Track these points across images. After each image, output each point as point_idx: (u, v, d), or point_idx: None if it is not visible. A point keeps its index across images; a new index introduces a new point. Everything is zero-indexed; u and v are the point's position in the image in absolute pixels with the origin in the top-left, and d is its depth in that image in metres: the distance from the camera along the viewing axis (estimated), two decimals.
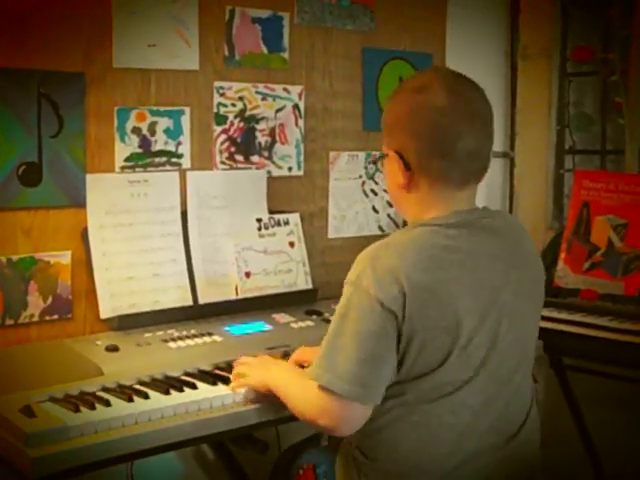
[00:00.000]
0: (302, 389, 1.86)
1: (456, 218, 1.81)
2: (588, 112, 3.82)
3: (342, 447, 2.02)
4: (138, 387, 2.11)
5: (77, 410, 1.93)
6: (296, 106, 2.97)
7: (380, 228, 3.23)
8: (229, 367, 2.27)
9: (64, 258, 2.47)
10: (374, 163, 2.06)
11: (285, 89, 2.94)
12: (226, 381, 2.16)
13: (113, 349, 2.31)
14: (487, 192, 3.69)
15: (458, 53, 3.48)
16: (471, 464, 1.82)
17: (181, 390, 2.08)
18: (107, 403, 1.98)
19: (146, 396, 2.03)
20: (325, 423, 1.77)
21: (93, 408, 1.94)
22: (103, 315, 2.47)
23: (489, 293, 1.79)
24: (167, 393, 2.06)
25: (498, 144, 3.73)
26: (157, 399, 2.03)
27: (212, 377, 2.17)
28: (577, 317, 2.88)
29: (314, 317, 2.70)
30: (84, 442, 1.83)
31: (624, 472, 3.04)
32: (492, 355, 1.80)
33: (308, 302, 2.82)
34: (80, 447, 1.81)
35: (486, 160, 1.85)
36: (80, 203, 2.49)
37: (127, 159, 2.59)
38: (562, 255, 3.17)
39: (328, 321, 2.59)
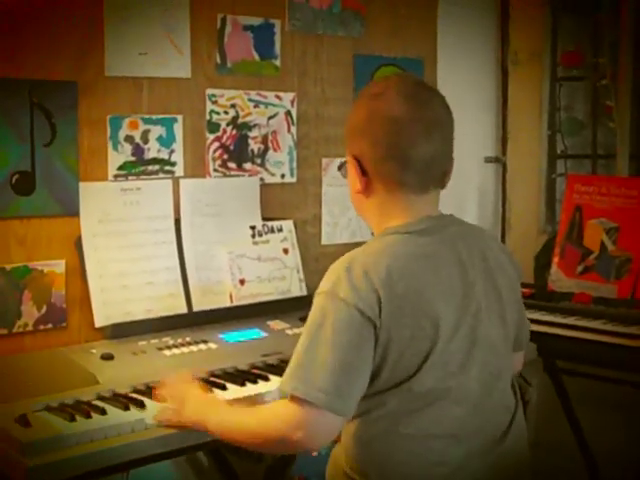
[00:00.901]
0: (265, 411, 1.83)
1: (426, 224, 1.81)
2: (579, 117, 3.84)
3: (331, 459, 1.97)
4: (134, 395, 2.10)
5: (73, 419, 1.92)
6: (288, 113, 2.97)
7: (373, 235, 3.22)
8: (225, 375, 2.27)
9: (58, 267, 2.46)
10: (339, 169, 2.04)
11: (277, 96, 2.94)
12: (223, 388, 2.16)
13: (108, 357, 2.31)
14: (479, 197, 3.70)
15: (449, 59, 3.50)
16: (461, 472, 1.81)
17: None
18: (103, 412, 1.97)
19: (142, 404, 2.03)
20: (300, 436, 1.69)
21: (89, 417, 1.94)
22: (97, 323, 2.47)
23: (462, 299, 1.78)
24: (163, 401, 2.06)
25: (490, 149, 3.75)
26: (153, 407, 2.02)
27: (208, 384, 2.17)
28: (571, 320, 2.89)
29: None
30: (80, 451, 1.82)
31: (620, 475, 3.04)
32: (471, 361, 1.79)
33: (302, 309, 2.77)
34: (76, 456, 1.81)
35: (446, 166, 1.84)
36: (73, 212, 2.49)
37: (120, 167, 2.59)
38: (555, 259, 3.18)
39: None
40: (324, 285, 1.75)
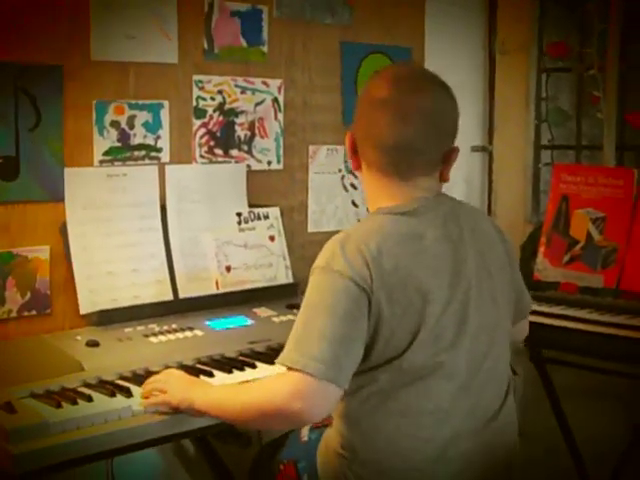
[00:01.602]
0: (261, 384, 1.85)
1: (417, 205, 1.84)
2: (563, 107, 3.83)
3: (323, 441, 2.00)
4: (120, 382, 2.09)
5: (59, 406, 1.90)
6: (275, 100, 2.95)
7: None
8: (212, 362, 2.26)
9: (43, 253, 2.44)
10: None
11: (264, 82, 2.92)
12: (210, 375, 2.14)
13: (93, 344, 2.29)
14: (466, 186, 3.70)
15: (437, 47, 3.49)
16: (452, 449, 1.83)
17: None
18: (89, 399, 1.96)
19: (128, 392, 2.01)
20: (299, 407, 1.70)
21: (75, 404, 1.92)
22: (83, 310, 2.44)
23: (452, 277, 1.82)
24: None
25: (476, 138, 3.74)
26: (140, 394, 2.00)
27: (195, 371, 2.15)
28: (557, 310, 2.89)
29: (295, 311, 2.65)
30: (67, 438, 1.80)
31: (604, 463, 3.04)
32: (461, 337, 1.82)
33: (289, 296, 2.81)
34: (63, 443, 1.79)
35: (432, 154, 1.86)
36: (58, 197, 2.46)
37: (106, 153, 2.56)
38: (541, 249, 3.18)
39: None
40: (319, 261, 1.79)
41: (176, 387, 1.94)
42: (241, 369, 2.22)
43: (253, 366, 2.25)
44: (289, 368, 1.73)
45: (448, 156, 1.88)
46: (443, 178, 1.91)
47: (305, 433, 2.14)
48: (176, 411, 1.93)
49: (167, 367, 2.19)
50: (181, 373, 2.03)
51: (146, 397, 1.98)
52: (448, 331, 1.80)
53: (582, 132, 3.78)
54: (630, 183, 3.08)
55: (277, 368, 1.80)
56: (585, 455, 3.16)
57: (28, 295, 2.42)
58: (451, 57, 3.58)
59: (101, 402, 1.96)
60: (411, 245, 1.79)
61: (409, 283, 1.75)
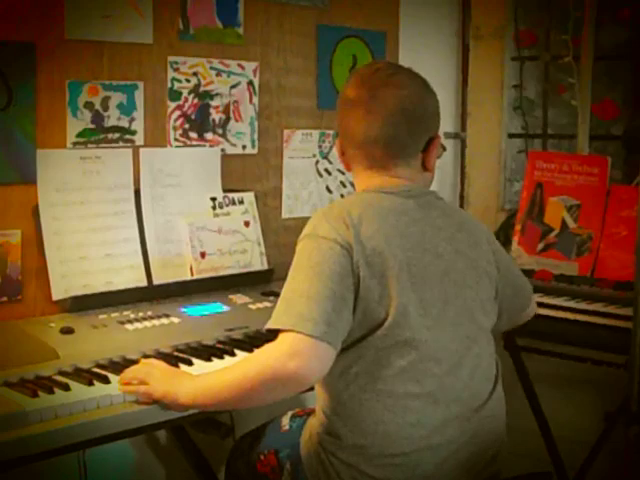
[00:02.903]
0: (250, 356, 1.85)
1: (401, 188, 1.90)
2: (530, 96, 3.82)
3: (306, 429, 1.98)
4: (97, 370, 2.03)
5: (35, 395, 1.84)
6: (251, 83, 2.90)
7: None
8: (190, 349, 2.21)
9: (13, 237, 2.37)
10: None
11: (240, 65, 2.87)
12: (189, 364, 2.10)
13: (68, 331, 2.23)
14: (438, 173, 3.63)
15: (411, 33, 3.46)
16: (439, 435, 1.83)
17: None
18: (66, 387, 1.90)
19: (106, 380, 1.96)
20: (294, 365, 1.69)
21: (52, 393, 1.87)
22: (55, 296, 2.38)
23: (434, 257, 1.86)
24: None
25: (449, 125, 3.71)
26: (118, 383, 1.94)
27: (172, 359, 2.10)
28: None
29: (271, 298, 2.64)
30: (45, 428, 1.74)
31: (577, 451, 3.05)
32: (445, 318, 1.84)
33: (264, 283, 2.78)
34: (40, 433, 1.73)
35: (405, 144, 1.90)
36: (30, 179, 2.39)
37: (79, 135, 2.50)
38: (516, 237, 3.17)
39: None
40: (305, 230, 1.86)
41: (159, 380, 1.89)
42: (220, 357, 2.17)
43: (232, 353, 2.20)
44: (279, 330, 1.74)
45: (428, 145, 1.93)
46: (425, 167, 1.96)
47: (286, 422, 2.11)
48: (157, 404, 1.88)
49: (145, 355, 2.14)
50: (163, 365, 1.98)
51: (125, 384, 1.93)
52: (431, 308, 1.82)
53: (548, 121, 3.77)
54: (604, 171, 3.08)
55: None
56: (559, 443, 3.16)
57: None
58: (425, 42, 3.55)
59: (79, 391, 1.89)
60: (391, 217, 1.85)
61: (385, 250, 1.80)
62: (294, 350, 1.70)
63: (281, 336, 1.74)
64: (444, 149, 2.02)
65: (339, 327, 1.74)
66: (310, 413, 2.03)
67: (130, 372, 1.94)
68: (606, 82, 3.53)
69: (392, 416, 1.80)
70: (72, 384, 1.92)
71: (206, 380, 1.85)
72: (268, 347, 1.76)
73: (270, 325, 1.76)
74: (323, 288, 1.73)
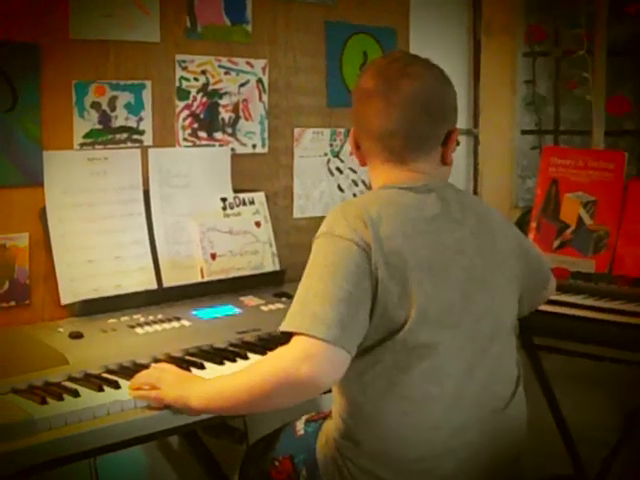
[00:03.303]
0: (262, 360, 1.79)
1: (419, 183, 1.83)
2: (541, 92, 3.77)
3: (322, 433, 1.93)
4: (107, 376, 1.99)
5: (43, 402, 1.80)
6: (260, 80, 2.85)
7: None
8: (202, 353, 2.16)
9: (21, 240, 2.32)
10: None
11: (248, 63, 2.82)
12: (201, 367, 2.05)
13: (77, 336, 2.18)
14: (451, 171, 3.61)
15: (422, 28, 3.40)
16: (458, 439, 1.78)
17: None
18: (75, 393, 1.85)
19: (117, 385, 1.91)
20: (306, 370, 1.63)
21: (61, 399, 1.82)
22: (64, 300, 2.34)
23: (455, 254, 1.80)
24: None
25: (462, 121, 3.63)
26: (128, 388, 1.89)
27: (184, 363, 2.06)
28: None
29: (283, 299, 2.60)
30: (54, 436, 1.70)
31: (596, 451, 2.99)
32: (466, 318, 1.78)
33: (276, 284, 2.73)
34: (50, 441, 1.68)
35: (424, 138, 1.85)
36: (37, 182, 2.35)
37: (86, 135, 2.45)
38: (531, 234, 3.12)
39: None
40: (321, 229, 1.79)
41: (170, 384, 1.84)
42: (232, 360, 2.13)
43: (245, 357, 2.15)
44: (293, 333, 1.68)
45: (447, 139, 1.87)
46: (444, 161, 1.89)
47: (301, 427, 2.06)
48: (169, 409, 1.83)
49: (155, 359, 2.10)
50: (174, 368, 1.94)
51: (136, 389, 1.88)
52: (451, 309, 1.76)
53: (560, 117, 3.72)
54: (621, 166, 3.02)
55: None
56: (578, 443, 3.10)
57: (6, 285, 2.30)
58: (436, 39, 3.49)
59: (88, 397, 1.85)
60: (411, 215, 1.78)
61: (405, 250, 1.73)
62: (307, 354, 1.65)
63: (294, 339, 1.68)
64: (458, 144, 1.96)
65: (354, 331, 1.69)
66: (325, 417, 1.98)
67: (141, 377, 1.90)
68: (616, 77, 3.48)
69: (411, 420, 1.75)
70: (81, 390, 1.87)
71: (218, 384, 1.80)
72: (281, 350, 1.71)
73: (283, 327, 1.71)
74: (338, 290, 1.67)
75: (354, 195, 3.15)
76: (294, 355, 1.66)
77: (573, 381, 3.26)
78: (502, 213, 2.02)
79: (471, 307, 1.79)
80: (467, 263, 1.80)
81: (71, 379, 1.96)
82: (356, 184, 3.16)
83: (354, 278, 1.69)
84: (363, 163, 1.94)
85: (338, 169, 3.11)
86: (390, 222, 1.75)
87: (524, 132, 3.69)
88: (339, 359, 1.67)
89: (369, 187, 3.17)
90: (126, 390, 1.89)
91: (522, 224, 3.19)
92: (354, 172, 3.14)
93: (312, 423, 2.03)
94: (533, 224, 3.12)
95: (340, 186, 3.12)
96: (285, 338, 2.17)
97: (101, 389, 1.89)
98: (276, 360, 1.70)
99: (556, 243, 3.08)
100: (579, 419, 3.13)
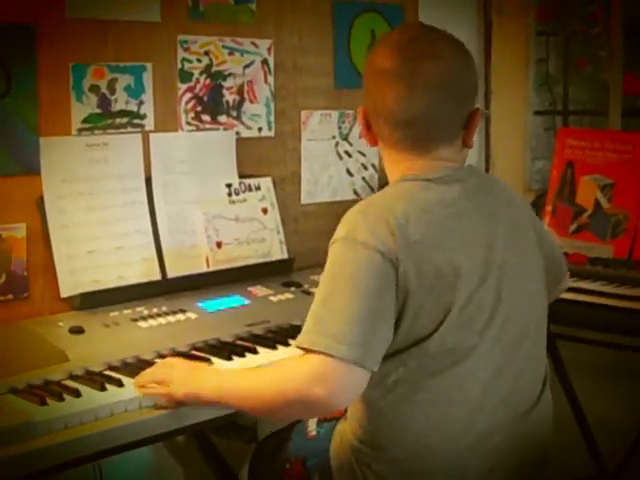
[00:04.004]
0: (276, 369, 1.67)
1: (445, 173, 1.70)
2: (550, 71, 3.67)
3: (337, 435, 1.83)
4: (109, 373, 1.90)
5: (43, 403, 1.71)
6: (265, 61, 2.74)
7: (355, 192, 3.03)
8: (208, 347, 2.08)
9: (18, 231, 2.23)
10: None
11: (253, 43, 2.71)
12: (207, 362, 1.96)
13: (77, 331, 2.09)
14: None
15: (431, 5, 3.29)
16: (484, 443, 1.68)
17: None
18: (77, 393, 1.76)
19: (120, 383, 1.83)
20: (320, 393, 1.53)
21: (61, 399, 1.73)
22: (63, 293, 2.24)
23: (486, 251, 1.67)
24: None
25: None
26: (132, 387, 1.81)
27: (190, 359, 1.96)
28: None
29: (293, 289, 2.51)
30: (54, 440, 1.61)
31: (617, 443, 2.90)
32: (496, 317, 1.66)
33: (284, 273, 2.63)
34: (49, 446, 1.59)
35: (449, 122, 1.71)
36: (34, 170, 2.25)
37: (85, 120, 2.35)
38: (546, 218, 3.02)
39: (309, 293, 2.47)
40: (339, 232, 1.63)
41: (179, 380, 1.75)
42: (241, 355, 2.03)
43: (254, 351, 2.06)
44: (308, 350, 1.56)
45: (469, 120, 1.72)
46: (466, 144, 1.75)
47: (313, 427, 1.95)
48: (180, 405, 1.75)
49: (160, 355, 2.01)
50: (182, 362, 1.85)
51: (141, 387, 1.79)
52: (482, 311, 1.64)
53: (569, 97, 3.62)
54: None
55: (291, 350, 1.66)
56: (597, 435, 3.01)
57: (3, 278, 2.20)
58: (446, 16, 3.36)
59: (90, 397, 1.76)
60: (440, 213, 1.64)
61: (438, 255, 1.60)
62: (322, 376, 1.53)
63: (310, 356, 1.55)
64: (486, 116, 1.82)
65: (377, 347, 1.57)
66: (339, 418, 1.87)
67: (147, 375, 1.81)
68: (626, 56, 3.37)
69: (435, 427, 1.65)
70: (83, 389, 1.79)
71: (233, 381, 1.71)
72: (296, 366, 1.59)
73: (299, 343, 1.58)
74: (359, 306, 1.54)
75: (363, 179, 3.05)
76: (308, 376, 1.55)
77: (591, 371, 3.17)
78: (522, 199, 1.91)
79: (501, 306, 1.67)
80: (498, 260, 1.67)
81: (72, 377, 1.88)
82: (365, 167, 3.06)
83: (377, 293, 1.56)
84: (374, 143, 1.78)
85: (347, 152, 3.00)
86: (418, 224, 1.60)
87: (537, 113, 3.58)
88: (357, 379, 1.56)
89: (379, 171, 3.10)
90: (130, 389, 1.80)
91: (537, 208, 3.09)
92: (363, 155, 3.03)
93: (324, 424, 1.93)
94: (548, 208, 3.03)
95: (349, 170, 3.02)
96: (298, 330, 2.08)
97: (104, 388, 1.80)
98: (288, 379, 1.59)
99: (572, 227, 2.98)
100: (598, 410, 3.04)
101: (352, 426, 1.74)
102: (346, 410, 1.83)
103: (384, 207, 1.62)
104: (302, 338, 1.58)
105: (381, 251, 1.57)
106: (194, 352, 2.04)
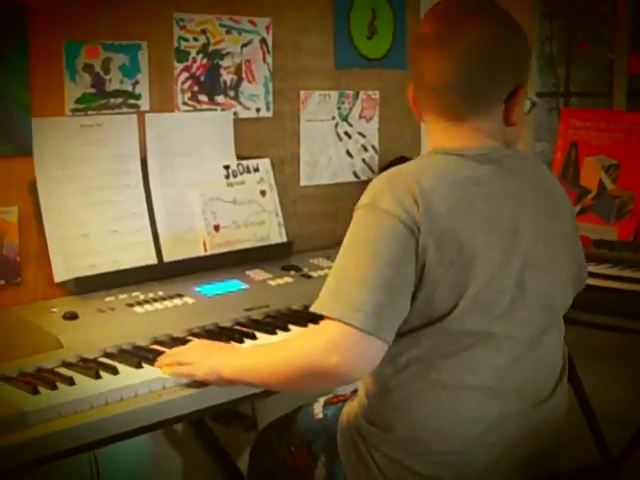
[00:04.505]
0: (293, 339, 1.67)
1: (481, 151, 1.64)
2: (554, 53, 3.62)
3: (344, 415, 1.79)
4: (104, 360, 1.85)
5: (35, 391, 1.65)
6: (263, 40, 2.68)
7: (355, 174, 2.97)
8: (206, 333, 2.03)
9: (10, 215, 2.17)
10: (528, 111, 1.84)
11: (251, 21, 2.64)
12: None
13: (71, 317, 2.03)
14: None
15: None
16: (495, 432, 1.63)
17: (154, 362, 1.82)
18: (70, 381, 1.71)
19: (115, 371, 1.77)
20: (336, 361, 1.51)
21: (54, 388, 1.68)
22: (57, 278, 2.18)
23: (513, 236, 1.61)
24: (139, 366, 1.80)
25: None
26: (128, 374, 1.77)
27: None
28: None
29: (292, 273, 2.45)
30: (47, 430, 1.55)
31: (621, 430, 2.86)
32: (518, 306, 1.61)
33: (283, 257, 2.57)
34: (42, 436, 1.54)
35: (484, 93, 1.64)
36: (26, 152, 2.18)
37: (78, 101, 2.28)
38: None
39: (309, 277, 2.42)
40: (364, 199, 1.61)
41: (200, 358, 1.75)
42: (240, 341, 1.98)
43: (253, 337, 2.01)
44: (325, 317, 1.54)
45: (510, 95, 1.65)
46: (507, 121, 1.67)
47: (319, 410, 1.91)
48: (203, 383, 1.74)
49: (156, 340, 1.96)
50: (203, 342, 1.87)
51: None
52: (503, 297, 1.59)
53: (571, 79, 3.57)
54: None
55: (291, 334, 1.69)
56: (601, 421, 2.96)
57: None
58: None
59: (84, 385, 1.71)
60: (468, 190, 1.59)
61: (460, 232, 1.55)
62: (338, 344, 1.51)
63: (325, 323, 1.54)
64: (533, 105, 1.76)
65: (393, 319, 1.53)
66: (346, 400, 1.83)
67: (169, 356, 1.81)
68: (631, 36, 3.32)
69: (446, 410, 1.61)
70: (77, 377, 1.73)
71: (250, 358, 1.71)
72: (310, 334, 1.60)
73: (315, 308, 1.56)
74: (378, 275, 1.51)
75: (363, 160, 2.99)
76: (324, 342, 1.53)
77: (596, 355, 3.12)
78: (562, 188, 1.81)
79: (525, 295, 1.62)
80: (526, 246, 1.62)
81: (66, 365, 1.82)
82: (366, 149, 3.00)
83: (397, 262, 1.53)
84: (420, 116, 1.74)
85: (347, 133, 2.94)
86: (444, 197, 1.56)
87: (539, 94, 3.53)
88: (374, 350, 1.53)
89: (379, 152, 3.05)
90: (125, 376, 1.76)
91: None
92: (363, 137, 2.98)
93: (331, 406, 1.89)
94: None
95: (349, 151, 2.96)
96: (297, 316, 2.04)
97: (98, 375, 1.75)
98: (304, 346, 1.57)
99: (576, 209, 2.91)
100: (602, 395, 3.00)
101: (360, 406, 1.71)
102: (353, 392, 1.80)
103: (411, 177, 1.58)
104: (319, 303, 1.56)
105: (404, 220, 1.54)
106: (191, 338, 1.98)
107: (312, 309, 1.58)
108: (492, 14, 1.66)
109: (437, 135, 1.69)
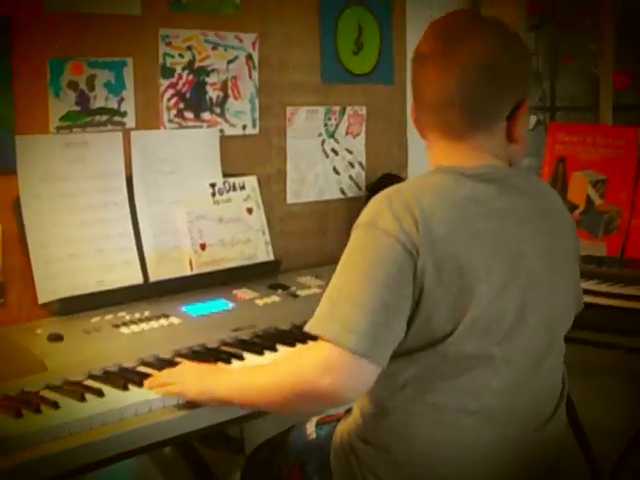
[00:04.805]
0: (286, 360, 1.65)
1: (484, 170, 1.62)
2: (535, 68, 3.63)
3: (338, 433, 1.76)
4: (90, 383, 1.82)
5: (19, 415, 1.62)
6: (249, 56, 2.66)
7: (342, 191, 2.96)
8: (193, 354, 2.00)
9: None
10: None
11: (237, 37, 2.63)
12: None
13: (56, 338, 2.00)
14: None
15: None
16: (492, 459, 1.61)
17: (140, 384, 1.79)
18: (55, 405, 1.68)
19: (100, 393, 1.74)
20: (329, 383, 1.49)
21: (38, 412, 1.65)
22: (41, 299, 2.15)
23: (515, 257, 1.59)
24: (125, 388, 1.78)
25: None
26: (114, 396, 1.74)
27: (174, 366, 1.88)
28: None
29: (279, 291, 2.43)
30: (29, 456, 1.52)
31: (611, 445, 2.85)
32: (519, 329, 1.59)
33: (270, 275, 2.55)
34: (24, 463, 1.51)
35: (485, 110, 1.62)
36: (9, 170, 2.16)
37: (63, 118, 2.26)
38: None
39: (296, 296, 2.39)
40: (362, 217, 1.60)
41: (193, 379, 1.74)
42: (227, 361, 1.96)
43: (240, 357, 1.99)
44: (319, 337, 1.52)
45: (513, 111, 1.64)
46: (510, 138, 1.65)
47: (311, 430, 1.87)
48: (194, 403, 1.72)
49: (143, 362, 1.93)
50: (194, 364, 1.85)
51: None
52: (504, 320, 1.57)
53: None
54: (633, 143, 2.88)
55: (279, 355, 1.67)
56: (591, 436, 2.95)
57: None
58: (435, 10, 3.29)
59: (69, 408, 1.68)
60: (470, 211, 1.57)
61: (461, 255, 1.53)
62: (331, 365, 1.50)
63: (319, 344, 1.53)
64: (539, 121, 1.74)
65: (387, 342, 1.51)
66: (340, 419, 1.80)
67: (160, 377, 1.79)
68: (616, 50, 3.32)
69: (443, 434, 1.58)
70: (61, 400, 1.70)
71: (242, 379, 1.69)
72: (303, 354, 1.58)
73: (309, 328, 1.55)
74: (374, 297, 1.50)
75: (350, 177, 2.98)
76: (317, 364, 1.51)
77: (584, 371, 3.10)
78: (566, 209, 1.79)
79: (526, 318, 1.59)
80: (528, 267, 1.60)
81: (50, 387, 1.79)
82: (352, 166, 2.98)
83: (394, 284, 1.51)
84: (423, 135, 1.72)
85: (334, 150, 2.93)
86: (445, 219, 1.54)
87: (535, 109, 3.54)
88: (367, 372, 1.51)
89: (366, 169, 3.03)
90: (111, 399, 1.73)
91: None
92: (350, 153, 2.96)
93: (324, 425, 1.86)
94: None
95: (336, 168, 2.94)
96: (285, 336, 2.01)
97: (83, 398, 1.72)
98: (296, 367, 1.56)
99: None
100: (592, 411, 2.98)
101: (356, 423, 1.68)
102: (347, 411, 1.78)
103: (411, 196, 1.56)
104: (313, 323, 1.55)
105: (402, 242, 1.52)
106: (178, 359, 1.96)
107: (306, 329, 1.56)
108: (491, 29, 1.64)
109: (439, 153, 1.67)
